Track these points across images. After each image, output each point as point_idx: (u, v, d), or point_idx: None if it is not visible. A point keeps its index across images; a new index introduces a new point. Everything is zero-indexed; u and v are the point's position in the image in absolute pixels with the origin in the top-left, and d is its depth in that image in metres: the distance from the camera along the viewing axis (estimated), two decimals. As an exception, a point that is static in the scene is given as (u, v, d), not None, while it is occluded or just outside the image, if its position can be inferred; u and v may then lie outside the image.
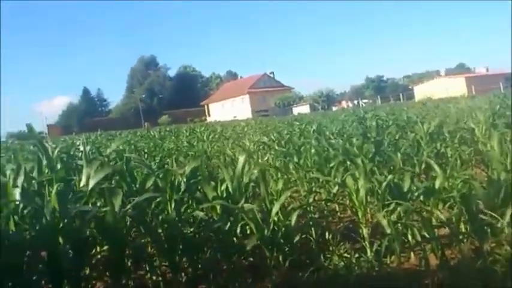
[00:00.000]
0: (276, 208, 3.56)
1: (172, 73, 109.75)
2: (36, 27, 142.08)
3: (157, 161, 7.69)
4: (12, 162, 5.21)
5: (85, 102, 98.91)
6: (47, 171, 4.31)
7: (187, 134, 19.12)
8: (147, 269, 3.80)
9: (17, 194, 3.78)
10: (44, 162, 4.36)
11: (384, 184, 4.19)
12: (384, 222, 3.67)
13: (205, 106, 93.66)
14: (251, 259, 3.94)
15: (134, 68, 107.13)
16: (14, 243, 3.23)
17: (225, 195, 3.96)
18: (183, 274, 3.62)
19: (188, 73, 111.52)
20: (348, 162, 5.31)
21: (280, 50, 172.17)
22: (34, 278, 3.40)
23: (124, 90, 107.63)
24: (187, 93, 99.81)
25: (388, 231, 3.61)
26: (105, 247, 4.17)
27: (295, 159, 6.58)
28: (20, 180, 3.83)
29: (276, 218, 3.62)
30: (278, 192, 4.17)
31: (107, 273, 3.97)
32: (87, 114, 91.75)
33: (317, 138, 7.56)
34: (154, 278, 3.75)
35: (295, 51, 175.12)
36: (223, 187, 4.04)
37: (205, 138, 14.34)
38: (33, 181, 4.22)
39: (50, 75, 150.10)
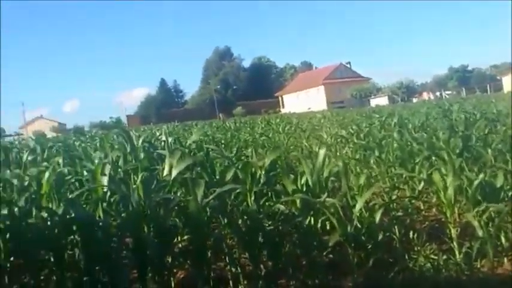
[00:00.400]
0: (359, 204, 3.46)
1: (246, 64, 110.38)
2: (117, 21, 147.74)
3: (233, 152, 7.76)
4: (99, 151, 5.46)
5: (162, 93, 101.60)
6: (131, 160, 4.46)
7: (263, 125, 19.15)
8: (227, 260, 3.82)
9: (104, 181, 3.95)
10: (129, 151, 4.53)
11: (476, 182, 3.96)
12: (475, 223, 3.50)
13: (280, 97, 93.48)
14: (331, 256, 3.87)
15: (209, 59, 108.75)
16: (102, 230, 3.37)
17: (304, 188, 3.89)
18: (262, 267, 3.61)
19: (262, 64, 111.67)
20: (434, 158, 5.13)
21: (358, 40, 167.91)
22: (120, 263, 3.55)
23: (199, 81, 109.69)
24: (262, 84, 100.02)
25: (480, 233, 3.45)
26: (186, 236, 4.30)
27: (376, 153, 6.38)
28: (107, 168, 3.99)
29: (358, 215, 3.53)
30: (360, 187, 4.06)
31: (188, 262, 4.10)
32: (164, 105, 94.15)
33: (399, 132, 7.28)
34: (233, 270, 3.76)
35: (373, 41, 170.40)
36: (303, 180, 3.96)
37: (280, 130, 14.30)
38: (119, 169, 4.39)
39: (130, 68, 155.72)
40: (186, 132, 15.43)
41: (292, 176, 3.95)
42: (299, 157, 4.22)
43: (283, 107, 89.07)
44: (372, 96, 74.93)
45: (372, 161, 6.37)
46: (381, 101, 66.90)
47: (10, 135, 61.31)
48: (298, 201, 3.67)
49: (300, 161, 5.04)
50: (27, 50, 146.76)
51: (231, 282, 3.73)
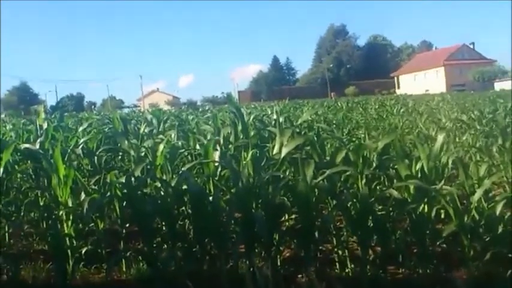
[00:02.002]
0: (478, 194, 3.23)
1: (361, 42, 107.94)
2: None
3: (345, 133, 7.61)
4: (211, 126, 5.61)
5: (274, 70, 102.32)
6: (242, 136, 4.52)
7: (376, 106, 18.62)
8: (334, 242, 3.77)
9: (216, 156, 4.04)
10: (240, 128, 4.58)
11: None
12: None
13: (395, 78, 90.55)
14: (444, 246, 3.69)
15: (323, 37, 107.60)
16: (213, 204, 3.45)
17: (419, 175, 3.67)
18: (370, 252, 3.53)
19: (378, 43, 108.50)
20: None
21: (484, 20, 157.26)
22: (228, 237, 3.63)
23: (311, 59, 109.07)
24: (376, 63, 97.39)
25: None
26: (293, 216, 4.31)
27: (500, 141, 5.93)
28: (219, 143, 4.08)
29: (477, 205, 3.29)
30: (480, 177, 3.78)
31: (294, 242, 4.10)
32: (276, 82, 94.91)
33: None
34: (340, 252, 3.72)
35: (500, 19, 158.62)
36: (418, 166, 3.72)
37: (395, 112, 13.80)
38: (230, 145, 4.47)
39: (244, 44, 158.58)
40: (297, 110, 15.38)
41: (406, 161, 3.74)
42: (415, 141, 3.99)
43: (398, 88, 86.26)
44: (497, 80, 69.88)
45: (494, 149, 5.92)
46: (507, 85, 62.30)
47: (128, 107, 65.56)
48: (411, 187, 3.51)
49: (415, 146, 4.83)
50: (147, 25, 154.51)
51: (337, 264, 3.70)
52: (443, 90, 63.53)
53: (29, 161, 4.88)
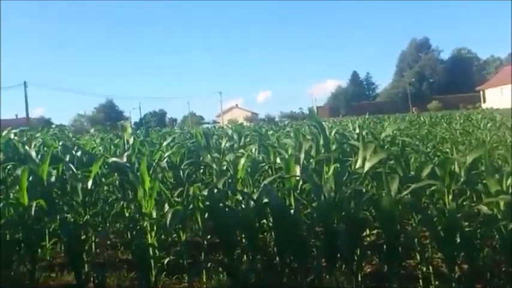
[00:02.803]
0: None
1: (445, 56, 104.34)
2: (308, 13, 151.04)
3: (429, 147, 7.38)
4: (293, 140, 5.61)
5: (353, 85, 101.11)
6: (323, 150, 4.49)
7: (461, 121, 17.93)
8: (418, 259, 3.68)
9: (297, 170, 4.03)
10: (321, 142, 4.55)
11: None
12: None
13: (481, 92, 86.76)
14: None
15: (405, 51, 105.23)
16: (294, 217, 3.44)
17: (510, 190, 3.47)
18: (456, 269, 3.38)
19: (462, 56, 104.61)
20: None
21: None
22: (309, 251, 3.61)
23: (392, 74, 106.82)
24: (461, 77, 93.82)
25: None
26: (375, 231, 4.21)
27: None
28: (301, 157, 4.06)
29: None
30: None
31: (376, 257, 4.00)
32: (355, 97, 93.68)
33: None
34: (424, 269, 3.62)
35: None
36: (509, 181, 3.54)
37: (481, 126, 13.22)
38: (312, 159, 4.44)
39: (322, 60, 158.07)
40: (377, 125, 15.12)
41: (496, 176, 3.57)
42: (506, 156, 3.78)
43: (484, 102, 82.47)
44: None
45: None
46: None
47: (208, 123, 67.23)
48: (501, 203, 3.34)
49: (505, 161, 4.58)
50: (227, 42, 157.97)
51: (421, 281, 3.60)
52: (532, 103, 60.19)
53: (116, 174, 5.10)
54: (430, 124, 16.97)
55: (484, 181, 3.70)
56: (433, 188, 3.71)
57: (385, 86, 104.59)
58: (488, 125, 13.71)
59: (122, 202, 5.15)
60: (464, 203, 3.82)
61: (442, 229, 3.29)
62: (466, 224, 3.59)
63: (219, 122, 69.63)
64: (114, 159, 5.00)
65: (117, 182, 5.20)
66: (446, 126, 15.32)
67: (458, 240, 3.28)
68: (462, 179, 3.75)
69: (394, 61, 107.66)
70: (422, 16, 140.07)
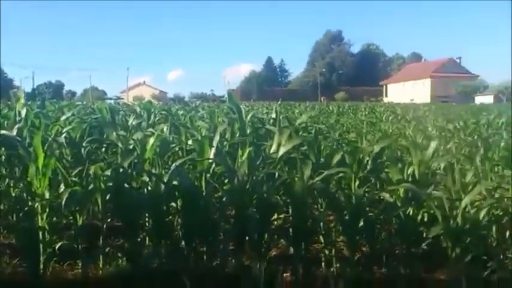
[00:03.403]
0: (466, 200, 3.28)
1: (355, 49, 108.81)
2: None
3: (336, 136, 7.55)
4: (207, 122, 5.43)
5: (267, 70, 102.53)
6: (238, 134, 4.35)
7: (366, 112, 18.74)
8: (323, 242, 3.76)
9: (211, 153, 3.86)
10: (237, 125, 4.41)
11: None
12: None
13: (384, 86, 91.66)
14: (425, 247, 3.70)
15: (319, 41, 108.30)
16: (205, 200, 3.31)
17: (410, 179, 3.73)
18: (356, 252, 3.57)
19: (371, 51, 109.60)
20: None
21: (471, 35, 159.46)
22: (219, 235, 3.54)
23: (305, 63, 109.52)
24: (367, 71, 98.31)
25: None
26: (282, 215, 4.19)
27: (482, 151, 6.02)
28: (216, 140, 3.89)
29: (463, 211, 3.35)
30: (466, 184, 3.79)
31: (283, 240, 4.09)
32: (267, 82, 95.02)
33: (509, 132, 6.86)
34: (328, 252, 3.73)
35: (487, 37, 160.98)
36: (410, 171, 3.79)
37: (384, 119, 13.92)
38: (226, 143, 4.29)
39: (237, 43, 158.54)
40: (288, 112, 15.29)
41: (399, 165, 3.83)
42: (409, 147, 4.00)
43: (386, 96, 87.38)
44: (478, 94, 71.79)
45: (477, 159, 6.01)
46: (486, 99, 64.33)
47: (111, 98, 64.26)
48: (401, 191, 3.59)
49: (407, 151, 4.79)
50: (138, 16, 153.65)
51: (323, 264, 3.73)
52: (427, 100, 65.05)
53: (2, 149, 4.57)
54: (338, 113, 17.50)
55: (387, 170, 3.91)
56: (340, 174, 3.81)
57: (297, 74, 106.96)
58: (390, 118, 14.44)
59: (8, 180, 4.64)
60: (368, 190, 3.94)
61: (348, 214, 3.43)
62: (369, 209, 3.76)
63: (123, 98, 66.92)
64: (2, 131, 4.46)
65: (3, 157, 4.67)
66: (353, 116, 15.88)
67: (361, 225, 3.43)
68: (368, 167, 3.91)
69: (308, 51, 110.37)
70: (339, 10, 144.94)
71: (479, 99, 64.74)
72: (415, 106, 29.44)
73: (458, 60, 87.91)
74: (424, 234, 3.53)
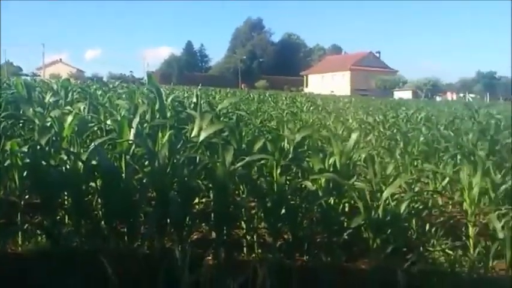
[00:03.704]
0: (387, 192, 3.40)
1: (276, 39, 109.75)
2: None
3: (258, 123, 7.68)
4: (126, 103, 5.38)
5: (187, 55, 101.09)
6: (158, 116, 4.38)
7: (287, 101, 19.06)
8: (245, 228, 3.81)
9: (131, 134, 3.87)
10: (157, 107, 4.43)
11: (504, 187, 4.12)
12: (497, 224, 3.48)
13: (305, 76, 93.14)
14: (346, 237, 3.78)
15: (239, 28, 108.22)
16: (125, 182, 3.31)
17: (331, 169, 3.81)
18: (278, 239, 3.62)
19: (292, 41, 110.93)
20: (459, 157, 5.20)
21: (390, 31, 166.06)
22: (139, 216, 3.52)
23: (226, 49, 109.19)
24: (288, 61, 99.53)
25: (501, 235, 3.42)
26: (204, 199, 4.25)
27: (401, 145, 6.35)
28: (135, 121, 3.90)
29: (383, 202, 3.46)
30: (386, 176, 4.02)
31: (205, 225, 4.10)
32: (188, 67, 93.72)
33: (428, 127, 7.21)
34: (249, 238, 3.76)
35: (405, 35, 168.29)
36: (331, 161, 3.89)
37: (305, 109, 14.22)
38: (146, 124, 4.30)
39: (156, 25, 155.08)
40: (209, 97, 15.30)
41: (320, 155, 3.88)
42: (330, 137, 4.12)
43: (306, 86, 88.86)
44: (396, 89, 74.60)
45: (397, 152, 6.32)
46: (405, 94, 66.85)
47: (27, 75, 60.93)
48: (323, 180, 3.63)
49: (327, 142, 4.97)
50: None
51: (245, 249, 3.74)
52: (347, 93, 66.60)
53: None
54: (259, 101, 17.70)
55: (308, 159, 3.99)
56: (262, 161, 3.85)
57: (218, 60, 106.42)
58: (311, 108, 14.81)
59: None
60: (289, 178, 4.04)
61: (270, 201, 3.46)
62: (291, 197, 3.82)
63: (39, 75, 63.96)
64: None
65: None
66: (274, 105, 16.14)
67: (283, 212, 3.48)
68: (290, 156, 3.95)
69: (229, 37, 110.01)
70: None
71: (398, 94, 66.96)
72: (335, 98, 30.24)
73: (378, 55, 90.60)
74: (346, 224, 3.64)
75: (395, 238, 3.50)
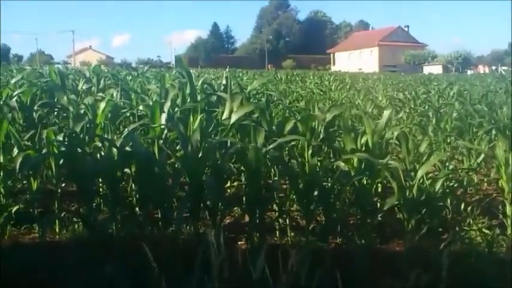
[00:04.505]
0: (422, 171, 3.31)
1: (302, 17, 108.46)
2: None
3: (286, 104, 7.63)
4: (158, 87, 5.41)
5: (213, 37, 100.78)
6: (189, 100, 4.39)
7: (315, 81, 18.84)
8: (277, 211, 3.77)
9: (162, 118, 3.90)
10: (188, 91, 4.45)
11: None
12: None
13: (331, 54, 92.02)
14: (379, 218, 3.76)
15: (265, 8, 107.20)
16: (159, 167, 3.33)
17: (364, 149, 3.73)
18: (311, 222, 3.57)
19: (318, 18, 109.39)
20: (494, 132, 5.08)
21: (419, 4, 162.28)
22: (172, 201, 3.55)
23: (252, 29, 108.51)
24: (314, 39, 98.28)
25: None
26: (235, 183, 4.26)
27: (434, 121, 6.19)
28: (167, 106, 3.93)
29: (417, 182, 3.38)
30: (420, 154, 3.89)
31: (237, 208, 4.10)
32: (214, 49, 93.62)
33: (461, 102, 7.00)
34: (282, 221, 3.73)
35: (434, 7, 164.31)
36: (363, 140, 3.79)
37: (333, 87, 14.03)
38: (177, 108, 4.33)
39: (183, 8, 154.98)
40: (236, 79, 15.28)
41: (352, 135, 3.79)
42: (362, 116, 4.03)
43: (333, 64, 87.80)
44: (426, 64, 72.90)
45: (429, 129, 6.18)
46: (435, 69, 65.18)
47: (58, 63, 62.31)
48: (355, 160, 3.56)
49: (359, 120, 4.89)
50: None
51: (278, 232, 3.72)
52: (375, 69, 65.47)
53: None
54: (286, 81, 17.58)
55: (339, 139, 3.93)
56: (293, 142, 3.82)
57: (243, 41, 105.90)
58: (340, 86, 14.62)
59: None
60: (321, 159, 3.97)
61: (302, 183, 3.40)
62: (323, 179, 3.75)
63: (70, 63, 65.22)
64: None
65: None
66: (302, 84, 16.00)
67: (316, 194, 3.42)
68: (321, 136, 3.90)
69: (254, 17, 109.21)
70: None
71: (427, 69, 65.03)
72: (364, 75, 29.76)
73: (406, 29, 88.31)
74: (379, 205, 3.57)
75: (430, 218, 3.42)
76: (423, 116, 6.85)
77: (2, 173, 3.52)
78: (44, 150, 3.61)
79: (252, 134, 3.34)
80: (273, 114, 4.69)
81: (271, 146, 3.39)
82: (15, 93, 4.82)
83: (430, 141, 5.15)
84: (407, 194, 3.28)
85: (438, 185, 3.44)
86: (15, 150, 3.60)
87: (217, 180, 3.26)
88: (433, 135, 5.87)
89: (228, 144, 3.63)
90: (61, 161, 3.63)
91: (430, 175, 3.92)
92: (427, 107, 7.81)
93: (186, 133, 3.57)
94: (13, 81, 6.07)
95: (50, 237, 3.66)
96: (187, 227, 3.58)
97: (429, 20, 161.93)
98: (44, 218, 3.60)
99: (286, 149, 3.84)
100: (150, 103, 4.33)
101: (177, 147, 3.92)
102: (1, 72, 9.09)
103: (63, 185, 3.88)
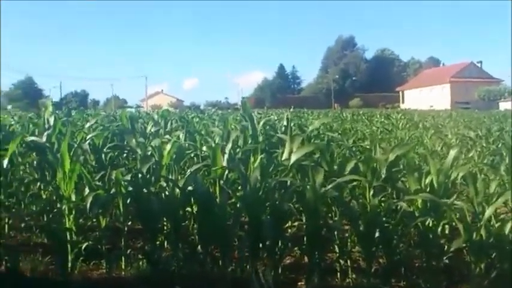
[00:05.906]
0: (490, 211, 3.19)
1: (369, 55, 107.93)
2: (243, 5, 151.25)
3: (350, 143, 7.58)
4: (221, 129, 5.56)
5: (279, 78, 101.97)
6: (250, 141, 4.48)
7: (382, 119, 18.59)
8: (338, 252, 3.73)
9: (224, 159, 4.00)
10: (249, 132, 4.55)
11: None
12: None
13: (400, 92, 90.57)
14: (446, 261, 3.61)
15: (331, 47, 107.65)
16: (219, 206, 3.41)
17: (428, 189, 3.62)
18: (374, 264, 3.51)
19: (385, 56, 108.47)
20: None
21: (493, 38, 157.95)
22: (233, 241, 3.60)
23: (318, 69, 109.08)
24: (382, 77, 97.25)
25: None
26: (296, 223, 4.26)
27: (507, 160, 5.91)
28: (228, 147, 4.03)
29: (486, 223, 3.25)
30: (490, 195, 3.73)
31: (297, 249, 4.07)
32: (280, 90, 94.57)
33: (537, 140, 6.68)
34: (343, 262, 3.68)
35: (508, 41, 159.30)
36: (428, 180, 3.69)
37: (400, 126, 13.78)
38: (239, 149, 4.43)
39: (249, 51, 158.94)
40: (301, 119, 15.36)
41: (416, 174, 3.71)
42: (426, 155, 3.96)
43: (403, 102, 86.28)
44: (502, 100, 69.95)
45: (502, 168, 5.90)
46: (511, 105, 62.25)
47: (131, 107, 65.62)
48: (419, 201, 3.48)
49: (424, 160, 4.77)
50: (155, 26, 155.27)
51: (339, 274, 3.66)
52: (447, 107, 63.47)
53: (34, 154, 4.84)
54: (352, 120, 17.46)
55: (403, 179, 3.86)
56: (354, 183, 3.78)
57: (309, 81, 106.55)
58: (407, 125, 14.34)
59: (39, 183, 4.89)
60: (383, 199, 3.89)
61: (363, 224, 3.37)
62: (385, 219, 3.71)
63: (142, 107, 68.23)
64: (32, 138, 4.72)
65: (34, 162, 4.93)
66: (368, 123, 15.83)
67: (377, 235, 3.38)
68: (383, 176, 3.81)
69: (320, 57, 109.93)
70: (350, 15, 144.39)
71: (504, 106, 62.32)
72: (434, 113, 29.03)
73: (479, 64, 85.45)
74: (445, 247, 3.43)
75: (500, 261, 3.26)
76: (495, 154, 6.58)
77: (74, 212, 3.72)
78: (113, 190, 3.80)
79: (311, 174, 3.35)
80: (335, 155, 4.68)
81: (329, 186, 3.38)
82: (89, 136, 5.11)
83: (502, 180, 4.92)
84: (474, 235, 3.17)
85: (508, 226, 3.27)
86: (87, 190, 3.80)
87: (276, 220, 3.29)
88: (505, 175, 5.62)
89: (288, 184, 3.66)
90: (128, 200, 3.81)
91: (502, 216, 3.76)
92: (500, 145, 7.51)
93: (246, 173, 3.63)
94: (87, 125, 6.43)
95: (116, 273, 3.81)
96: (247, 266, 3.59)
97: (503, 54, 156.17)
98: (111, 255, 3.77)
99: (348, 189, 3.80)
100: (213, 144, 4.46)
101: (238, 187, 3.99)
102: (78, 117, 9.68)
103: (129, 223, 4.04)
